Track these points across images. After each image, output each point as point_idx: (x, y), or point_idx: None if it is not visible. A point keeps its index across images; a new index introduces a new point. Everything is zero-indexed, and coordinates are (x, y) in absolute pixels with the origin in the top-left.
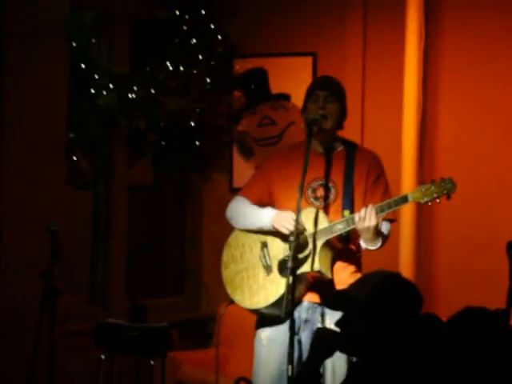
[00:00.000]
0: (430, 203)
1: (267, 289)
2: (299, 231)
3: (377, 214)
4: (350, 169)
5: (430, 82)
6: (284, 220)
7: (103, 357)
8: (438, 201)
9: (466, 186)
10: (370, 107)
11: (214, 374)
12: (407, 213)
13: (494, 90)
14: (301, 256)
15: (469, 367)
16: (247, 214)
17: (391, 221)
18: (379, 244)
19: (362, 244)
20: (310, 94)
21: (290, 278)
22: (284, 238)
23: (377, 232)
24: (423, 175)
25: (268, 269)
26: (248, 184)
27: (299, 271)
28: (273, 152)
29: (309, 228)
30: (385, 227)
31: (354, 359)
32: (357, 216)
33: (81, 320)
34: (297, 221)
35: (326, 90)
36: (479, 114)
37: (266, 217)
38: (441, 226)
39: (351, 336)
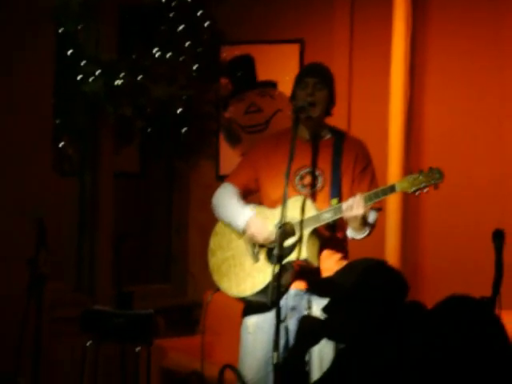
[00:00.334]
0: (417, 193)
1: (254, 277)
2: (270, 244)
3: (365, 203)
4: (338, 157)
5: (417, 69)
6: (257, 229)
7: (89, 343)
8: (425, 191)
9: (453, 175)
10: (356, 95)
11: (200, 361)
12: (393, 201)
13: (481, 77)
14: (288, 244)
15: (453, 355)
16: (228, 211)
17: (378, 209)
18: (366, 233)
19: (349, 233)
20: (299, 81)
21: (277, 266)
22: (271, 225)
23: (364, 221)
24: (410, 163)
25: (255, 257)
26: (235, 171)
27: (286, 260)
28: (260, 139)
29: (296, 216)
30: (371, 216)
31: (341, 346)
32: (344, 205)
33: (67, 307)
34: (283, 209)
35: (315, 76)
36: (466, 102)
37: (241, 220)
38: (427, 214)
39: (337, 323)
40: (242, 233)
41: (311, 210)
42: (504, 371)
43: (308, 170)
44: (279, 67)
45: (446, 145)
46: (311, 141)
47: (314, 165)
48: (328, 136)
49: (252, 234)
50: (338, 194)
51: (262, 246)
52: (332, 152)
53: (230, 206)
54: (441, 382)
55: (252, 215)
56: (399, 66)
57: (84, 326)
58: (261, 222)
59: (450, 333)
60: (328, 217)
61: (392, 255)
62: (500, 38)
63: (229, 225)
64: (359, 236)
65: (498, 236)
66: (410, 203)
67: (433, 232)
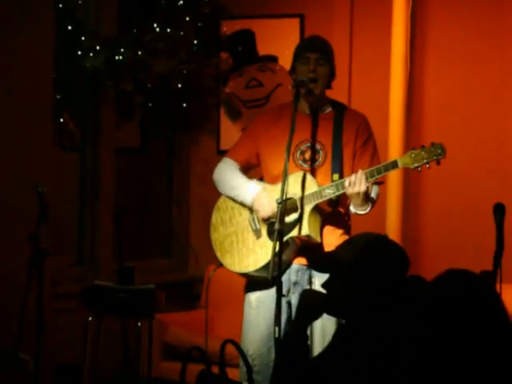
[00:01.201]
0: (419, 169)
1: (257, 252)
2: (272, 218)
3: (367, 179)
4: (339, 131)
5: (417, 43)
6: (264, 204)
7: (90, 318)
8: (427, 166)
9: (453, 149)
10: (357, 69)
11: (202, 335)
12: (394, 176)
13: (482, 50)
14: (290, 220)
15: (451, 328)
16: (232, 185)
17: (379, 183)
18: (369, 208)
19: (352, 208)
20: (300, 55)
21: (277, 242)
22: (274, 201)
23: (366, 197)
24: (410, 138)
25: (257, 232)
26: (235, 145)
27: (288, 236)
28: (260, 113)
29: (297, 192)
30: (374, 191)
31: (343, 321)
32: (347, 181)
33: (68, 282)
34: (284, 183)
35: (317, 52)
36: (467, 76)
37: (248, 194)
38: (428, 189)
39: (337, 298)
40: (249, 207)
41: (313, 186)
42: (502, 344)
43: (309, 144)
44: (279, 41)
45: (446, 119)
46: (312, 115)
47: (314, 139)
48: (329, 109)
49: (259, 208)
50: (339, 168)
51: (265, 220)
52: (333, 125)
53: (235, 181)
54: (439, 355)
55: (259, 190)
56: (399, 40)
57: (85, 301)
58: (267, 197)
59: (447, 306)
60: (330, 192)
61: (393, 230)
62: (500, 10)
63: (233, 200)
64: (362, 211)
65: (499, 210)
66: (410, 178)
67: (433, 206)
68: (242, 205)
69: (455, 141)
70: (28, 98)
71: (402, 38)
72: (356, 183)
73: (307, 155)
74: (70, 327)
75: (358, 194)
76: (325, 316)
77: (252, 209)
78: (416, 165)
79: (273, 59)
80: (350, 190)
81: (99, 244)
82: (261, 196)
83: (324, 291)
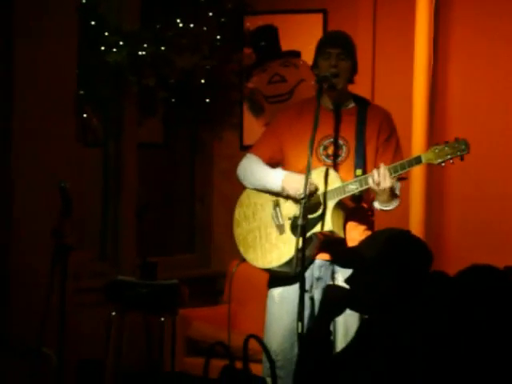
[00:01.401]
0: (443, 164)
1: (280, 248)
2: (311, 191)
3: (390, 174)
4: (362, 126)
5: (441, 40)
6: (295, 182)
7: (114, 313)
8: (451, 162)
9: (477, 145)
10: (380, 66)
11: (225, 330)
12: (417, 171)
13: (505, 50)
14: (314, 216)
15: (475, 324)
16: (258, 175)
17: (402, 179)
18: (395, 204)
19: (376, 205)
20: (322, 50)
21: (300, 236)
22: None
23: (392, 193)
24: (434, 134)
25: (280, 228)
26: (259, 141)
27: (312, 231)
28: (283, 108)
29: (321, 188)
30: (397, 187)
31: (366, 316)
32: (370, 179)
33: (91, 277)
34: (307, 178)
35: (338, 47)
36: (489, 73)
37: (275, 179)
38: (451, 185)
39: (361, 293)
40: (281, 190)
41: (336, 182)
42: None
43: (332, 139)
44: (303, 37)
45: (470, 115)
46: (334, 110)
47: (338, 135)
48: (351, 105)
49: (291, 187)
50: (362, 164)
51: (298, 201)
52: (356, 121)
53: (260, 171)
54: (462, 350)
55: (286, 173)
56: (423, 37)
57: (108, 296)
58: (297, 176)
59: (471, 302)
60: (353, 188)
61: (416, 225)
62: None
63: (260, 190)
64: (388, 208)
65: None
66: (434, 174)
67: (457, 202)
68: (270, 193)
69: (478, 136)
70: (51, 93)
71: (425, 35)
72: (381, 180)
73: (330, 150)
74: (93, 322)
75: (384, 190)
76: (348, 311)
77: (282, 193)
78: (440, 160)
79: (296, 54)
80: (374, 187)
81: (122, 239)
82: (290, 176)
83: (347, 286)
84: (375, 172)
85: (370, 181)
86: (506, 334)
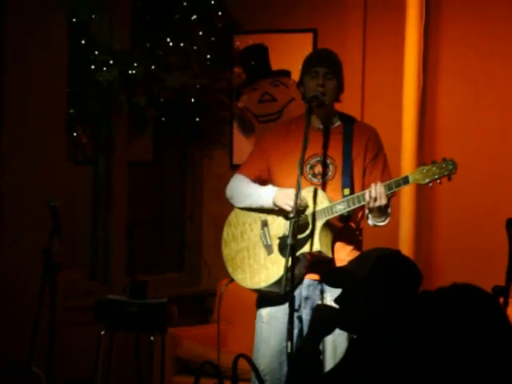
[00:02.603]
0: (430, 184)
1: (268, 268)
2: (301, 207)
3: (386, 192)
4: (349, 144)
5: (430, 59)
6: (286, 197)
7: (103, 332)
8: (438, 182)
9: (466, 164)
10: (370, 84)
11: (214, 350)
12: (407, 191)
13: (494, 68)
14: (301, 236)
15: (453, 343)
16: (247, 192)
17: (391, 196)
18: (388, 220)
19: (370, 222)
20: (308, 69)
21: (290, 255)
22: (284, 216)
23: (386, 209)
24: (423, 153)
25: (269, 248)
26: (246, 161)
27: (300, 251)
28: (270, 128)
29: (310, 207)
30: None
31: (355, 336)
32: (367, 196)
33: (81, 296)
34: (297, 197)
35: (325, 66)
36: (480, 93)
37: (267, 195)
38: (441, 204)
39: (350, 313)
40: (272, 206)
41: (324, 201)
42: (506, 357)
43: (318, 158)
44: (293, 56)
45: (459, 134)
46: (322, 129)
47: (326, 153)
48: (338, 123)
49: (284, 201)
50: (349, 183)
51: (290, 215)
52: (342, 139)
53: (250, 189)
54: (442, 370)
55: (277, 188)
56: (413, 56)
57: (98, 315)
58: (289, 190)
59: (449, 320)
60: (341, 208)
61: (406, 245)
62: None
63: (252, 206)
64: (381, 223)
65: None
66: (423, 193)
67: (446, 222)
68: (260, 211)
69: (468, 156)
70: (42, 111)
71: (414, 53)
72: (377, 197)
73: (317, 169)
74: (83, 341)
75: (380, 207)
76: (336, 331)
77: (273, 208)
78: (427, 180)
79: (286, 74)
80: (371, 205)
81: (112, 258)
82: (281, 191)
83: (336, 306)
84: (373, 188)
85: (367, 197)
86: (486, 352)
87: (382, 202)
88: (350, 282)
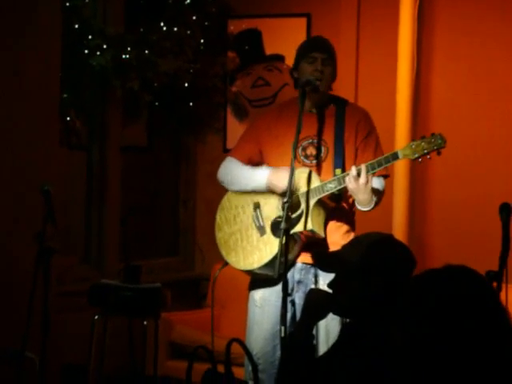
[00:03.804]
0: (420, 160)
1: (261, 250)
2: (293, 191)
3: (367, 172)
4: (340, 126)
5: (424, 42)
6: (279, 181)
7: (97, 317)
8: (428, 157)
9: (460, 147)
10: (364, 68)
11: (208, 334)
12: (401, 175)
13: (488, 51)
14: (293, 216)
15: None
16: (240, 175)
17: (385, 176)
18: (373, 204)
19: (357, 205)
20: (306, 54)
21: (283, 239)
22: (276, 197)
23: (369, 192)
24: (417, 136)
25: (261, 229)
26: (238, 144)
27: (292, 231)
28: (262, 112)
29: (301, 188)
30: (379, 184)
31: (347, 320)
32: (347, 177)
33: (75, 281)
34: (290, 181)
35: (324, 52)
36: (473, 75)
37: (260, 177)
38: (434, 187)
39: (342, 298)
40: (266, 188)
41: (315, 181)
42: (499, 342)
43: (310, 140)
44: (286, 41)
45: (452, 117)
46: (315, 112)
47: (320, 136)
48: (330, 105)
49: (278, 182)
50: (341, 164)
51: (284, 194)
52: (334, 121)
53: (243, 171)
54: (434, 354)
55: (271, 169)
56: (406, 39)
57: (92, 299)
58: (279, 170)
59: (442, 303)
60: (331, 187)
61: (399, 229)
62: (507, 12)
63: (245, 188)
64: (367, 208)
65: (505, 209)
66: (417, 177)
67: (440, 206)
68: (253, 192)
69: (462, 137)
70: (35, 96)
71: (408, 37)
72: (356, 177)
73: (309, 151)
74: (77, 326)
75: (359, 188)
76: (329, 316)
77: (267, 189)
78: (416, 155)
79: (280, 58)
80: (350, 185)
81: (106, 243)
82: (274, 172)
83: (330, 290)
84: (352, 169)
85: (346, 179)
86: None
87: (361, 180)
88: (343, 266)
